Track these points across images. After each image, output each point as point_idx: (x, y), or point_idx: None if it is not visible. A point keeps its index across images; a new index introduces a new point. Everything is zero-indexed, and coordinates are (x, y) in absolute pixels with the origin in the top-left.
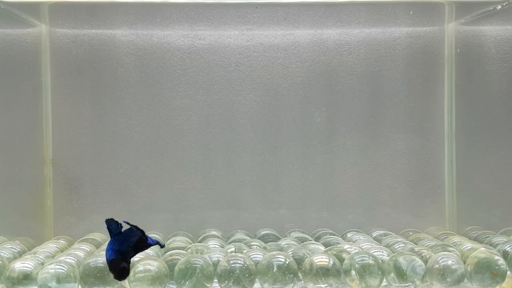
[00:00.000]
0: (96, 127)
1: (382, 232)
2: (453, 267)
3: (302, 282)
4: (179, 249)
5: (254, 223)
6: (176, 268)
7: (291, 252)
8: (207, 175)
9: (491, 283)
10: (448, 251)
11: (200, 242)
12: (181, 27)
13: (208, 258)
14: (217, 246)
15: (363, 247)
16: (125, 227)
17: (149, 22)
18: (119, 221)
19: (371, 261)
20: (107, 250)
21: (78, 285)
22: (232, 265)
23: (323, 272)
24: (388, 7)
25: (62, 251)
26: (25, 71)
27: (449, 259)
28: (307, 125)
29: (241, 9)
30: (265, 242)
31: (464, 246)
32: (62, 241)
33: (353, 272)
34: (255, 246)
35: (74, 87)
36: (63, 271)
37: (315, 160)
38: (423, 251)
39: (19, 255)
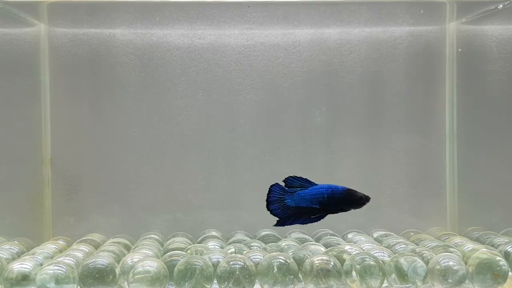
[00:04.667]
0: (95, 127)
1: (383, 232)
2: (454, 268)
3: (303, 283)
4: (179, 250)
5: (254, 223)
6: (176, 269)
7: (291, 253)
8: (207, 175)
9: (493, 284)
10: (449, 252)
11: (199, 242)
12: (180, 26)
13: (208, 259)
14: (217, 246)
15: (364, 248)
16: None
17: (149, 21)
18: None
19: (372, 262)
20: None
21: (77, 286)
22: (232, 266)
23: (324, 273)
24: (389, 6)
25: (61, 251)
26: (24, 70)
27: (450, 260)
28: (307, 125)
29: (241, 8)
30: (265, 243)
31: (466, 247)
32: (61, 242)
33: (353, 273)
34: (255, 247)
35: (73, 86)
36: (61, 272)
37: (315, 160)
38: (424, 252)
39: (18, 255)
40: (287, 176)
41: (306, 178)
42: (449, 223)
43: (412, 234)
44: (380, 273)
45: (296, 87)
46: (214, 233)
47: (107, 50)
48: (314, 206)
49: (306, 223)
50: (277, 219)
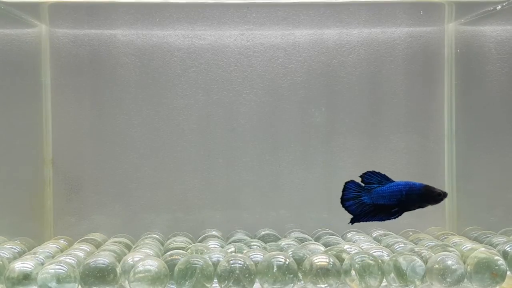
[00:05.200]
0: (96, 127)
1: (382, 232)
2: (453, 267)
3: (302, 282)
4: (179, 249)
5: (254, 223)
6: (176, 268)
7: (291, 252)
8: (207, 175)
9: (491, 283)
10: (448, 251)
11: (200, 242)
12: (181, 27)
13: (208, 258)
14: (217, 246)
15: (363, 247)
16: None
17: (149, 22)
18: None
19: (371, 261)
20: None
21: (78, 285)
22: (232, 265)
23: (323, 272)
24: (388, 7)
25: (62, 251)
26: (25, 71)
27: (449, 259)
28: (307, 125)
29: (241, 9)
30: (265, 242)
31: (464, 246)
32: (62, 241)
33: (353, 272)
34: (255, 246)
35: (74, 87)
36: (63, 271)
37: (315, 160)
38: (423, 251)
39: (19, 255)
40: (365, 171)
41: (384, 174)
42: (448, 223)
43: (411, 233)
44: (379, 272)
45: (295, 88)
46: (214, 233)
47: (108, 51)
48: (392, 203)
49: (383, 220)
50: (352, 216)
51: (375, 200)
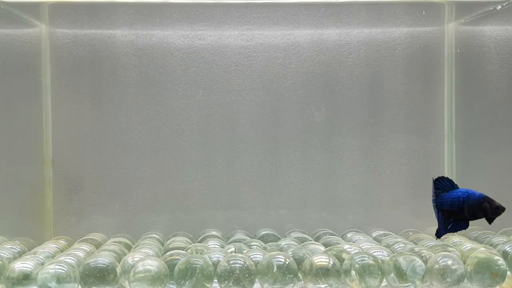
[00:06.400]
0: (96, 127)
1: (382, 232)
2: (453, 267)
3: (302, 282)
4: (179, 249)
5: (254, 223)
6: (176, 268)
7: (291, 252)
8: (207, 175)
9: (491, 283)
10: (448, 251)
11: (200, 242)
12: (181, 27)
13: (208, 258)
14: (217, 246)
15: (363, 247)
16: None
17: (149, 22)
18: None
19: (371, 261)
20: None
21: (78, 285)
22: (232, 265)
23: (323, 272)
24: (388, 7)
25: (62, 251)
26: (25, 71)
27: (449, 259)
28: (307, 125)
29: (241, 9)
30: (265, 242)
31: (464, 246)
32: (62, 241)
33: (353, 272)
34: (255, 246)
35: (74, 87)
36: (63, 271)
37: (315, 160)
38: (423, 251)
39: (19, 255)
40: (438, 176)
41: (451, 180)
42: None
43: (411, 233)
44: (379, 272)
45: (295, 88)
46: (214, 233)
47: (108, 51)
48: (453, 209)
49: (456, 231)
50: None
51: (439, 205)
